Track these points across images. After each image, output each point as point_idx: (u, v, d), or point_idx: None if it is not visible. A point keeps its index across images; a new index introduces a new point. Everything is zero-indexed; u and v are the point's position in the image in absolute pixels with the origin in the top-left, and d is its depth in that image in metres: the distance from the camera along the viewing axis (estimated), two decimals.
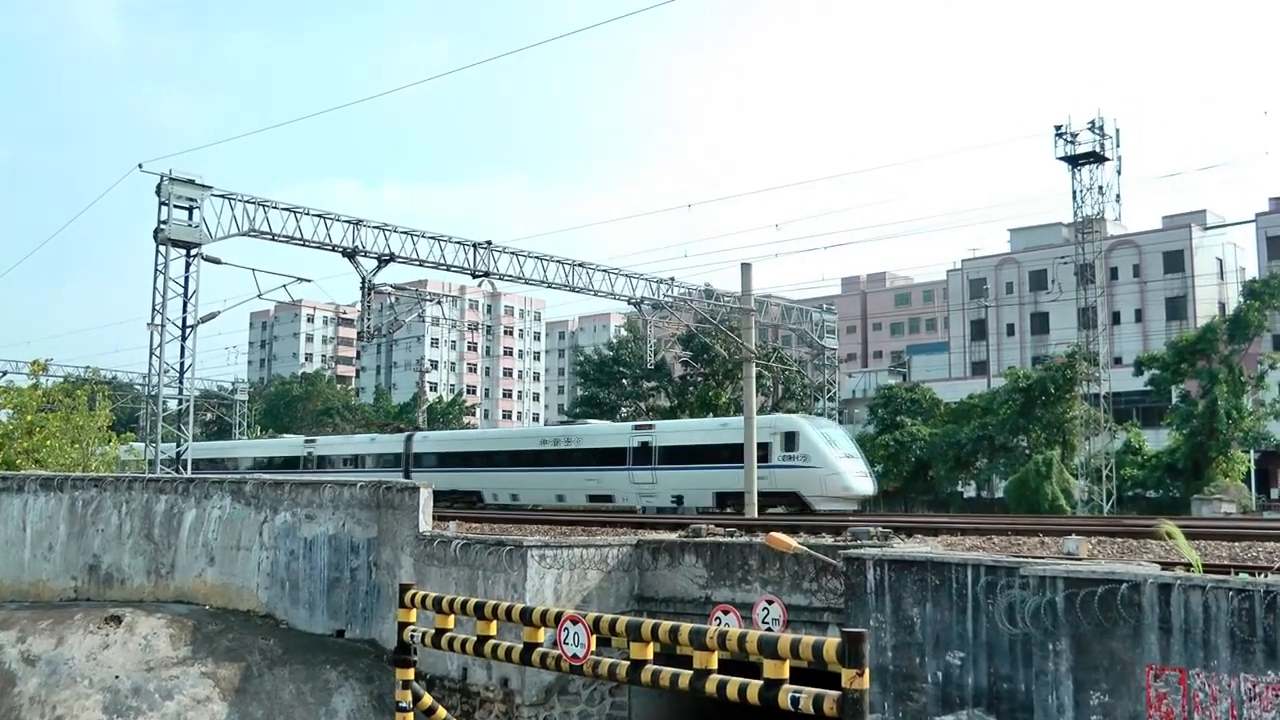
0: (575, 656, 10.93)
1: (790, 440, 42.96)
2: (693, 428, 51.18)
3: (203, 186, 36.27)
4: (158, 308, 36.44)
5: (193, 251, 36.74)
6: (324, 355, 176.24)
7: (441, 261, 41.23)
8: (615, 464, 47.65)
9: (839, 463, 42.52)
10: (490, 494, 51.94)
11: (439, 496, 48.15)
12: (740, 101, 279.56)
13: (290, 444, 69.49)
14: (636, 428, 49.54)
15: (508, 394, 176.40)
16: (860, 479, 43.33)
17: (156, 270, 36.30)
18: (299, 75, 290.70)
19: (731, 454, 41.91)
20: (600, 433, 52.30)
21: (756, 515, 35.91)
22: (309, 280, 40.83)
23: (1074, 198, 57.56)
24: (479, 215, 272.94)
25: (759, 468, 39.93)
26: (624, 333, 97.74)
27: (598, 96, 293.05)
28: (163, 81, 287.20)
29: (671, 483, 45.57)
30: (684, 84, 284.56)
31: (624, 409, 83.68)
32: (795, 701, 8.93)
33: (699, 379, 78.13)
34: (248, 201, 37.09)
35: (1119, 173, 57.11)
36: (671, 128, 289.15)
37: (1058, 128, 56.97)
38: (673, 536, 20.47)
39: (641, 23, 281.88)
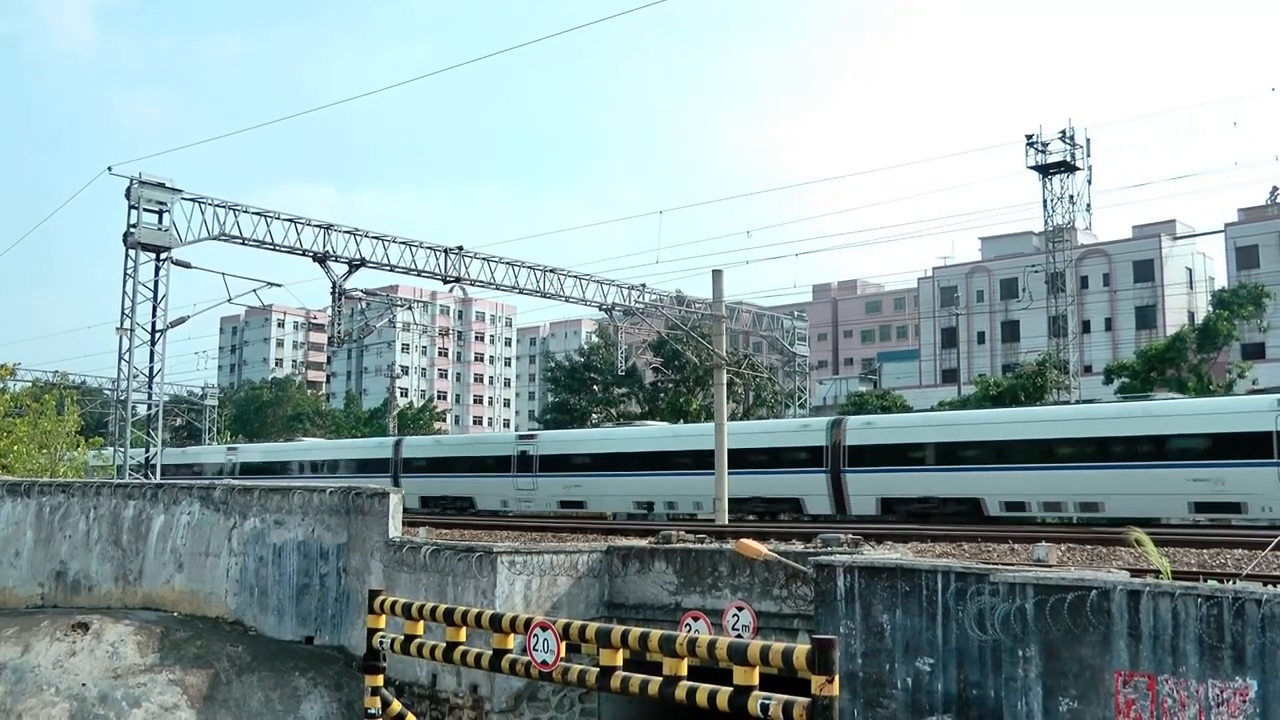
0: (545, 663, 10.89)
1: None
2: None
3: (173, 190, 36.09)
4: (127, 312, 36.27)
5: (162, 255, 36.58)
6: (294, 360, 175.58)
7: (413, 267, 41.12)
8: None
9: None
10: None
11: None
12: (712, 109, 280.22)
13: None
14: None
15: (479, 400, 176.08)
16: None
17: (126, 274, 36.12)
18: (274, 80, 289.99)
19: None
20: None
21: (728, 521, 35.84)
22: (279, 285, 40.82)
23: (1045, 207, 58.03)
24: (453, 221, 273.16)
25: None
26: (595, 339, 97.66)
27: (573, 103, 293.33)
28: (136, 85, 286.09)
29: None
30: (657, 91, 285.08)
31: (595, 415, 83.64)
32: (765, 708, 8.92)
33: (670, 385, 78.15)
34: (218, 205, 36.93)
35: (1089, 182, 57.74)
36: (644, 134, 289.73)
37: (1029, 137, 57.44)
38: (643, 543, 20.43)
39: (615, 31, 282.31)
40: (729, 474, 37.30)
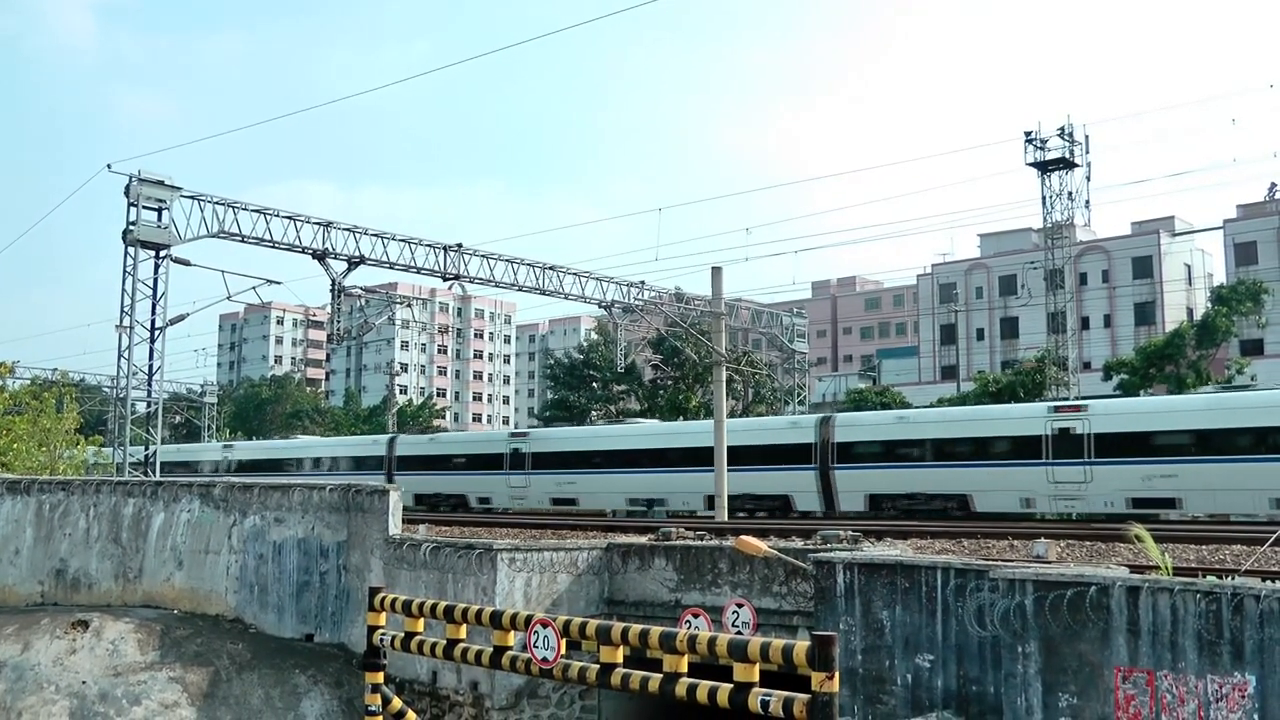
0: (545, 660, 10.91)
1: None
2: None
3: (172, 187, 36.03)
4: (126, 309, 36.20)
5: (162, 253, 36.51)
6: (293, 358, 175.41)
7: (412, 264, 41.04)
8: None
9: None
10: None
11: None
12: (711, 106, 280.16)
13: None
14: None
15: (478, 397, 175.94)
16: None
17: (125, 272, 36.07)
18: (275, 77, 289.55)
19: None
20: None
21: (726, 518, 35.86)
22: (279, 282, 40.56)
23: (1044, 203, 57.96)
24: (453, 218, 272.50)
25: None
26: (594, 336, 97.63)
27: (572, 100, 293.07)
28: (136, 82, 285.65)
29: None
30: (656, 88, 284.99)
31: (594, 412, 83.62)
32: (765, 704, 8.93)
33: (669, 382, 78.10)
34: (217, 203, 36.86)
35: (1088, 179, 57.58)
36: (643, 131, 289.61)
37: (1028, 134, 57.36)
38: (642, 540, 20.46)
39: (615, 28, 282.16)
40: None
